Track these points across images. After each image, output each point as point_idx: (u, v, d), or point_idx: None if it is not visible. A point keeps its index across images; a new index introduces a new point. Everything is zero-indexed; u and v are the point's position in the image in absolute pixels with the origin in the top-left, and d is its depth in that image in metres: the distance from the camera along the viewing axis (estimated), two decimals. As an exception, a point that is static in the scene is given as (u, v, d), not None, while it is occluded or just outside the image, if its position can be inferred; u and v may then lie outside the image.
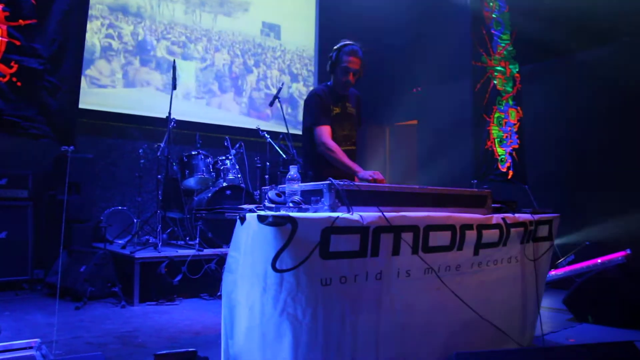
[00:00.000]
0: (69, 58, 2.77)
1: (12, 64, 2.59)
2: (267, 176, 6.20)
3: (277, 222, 1.98)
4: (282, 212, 2.07)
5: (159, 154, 5.38)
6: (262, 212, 2.06)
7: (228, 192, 5.40)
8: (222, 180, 5.65)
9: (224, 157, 5.81)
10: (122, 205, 6.28)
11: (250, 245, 2.12)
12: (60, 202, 5.63)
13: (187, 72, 7.00)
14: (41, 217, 5.51)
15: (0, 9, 2.57)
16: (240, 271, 2.20)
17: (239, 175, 5.80)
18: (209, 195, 5.31)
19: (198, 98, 7.12)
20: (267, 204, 2.26)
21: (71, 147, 2.77)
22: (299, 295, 2.05)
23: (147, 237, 5.72)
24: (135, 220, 5.83)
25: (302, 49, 8.26)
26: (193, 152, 5.57)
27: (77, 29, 2.81)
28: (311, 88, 8.11)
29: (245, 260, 2.17)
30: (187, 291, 4.89)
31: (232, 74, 7.42)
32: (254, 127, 6.49)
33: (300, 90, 8.15)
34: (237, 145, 6.01)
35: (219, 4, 7.35)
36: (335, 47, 3.38)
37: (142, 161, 5.86)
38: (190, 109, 6.90)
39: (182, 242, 5.44)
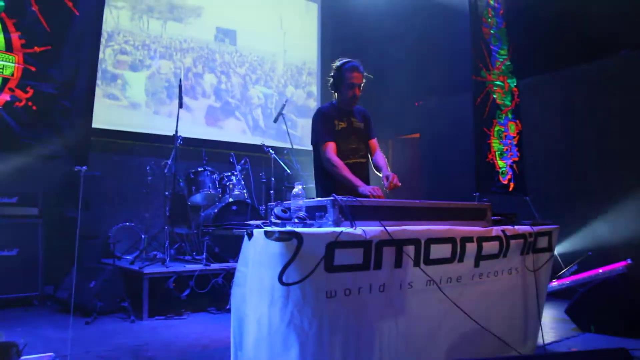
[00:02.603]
0: (82, 81, 2.89)
1: (27, 89, 2.72)
2: (272, 191, 6.30)
3: (283, 238, 2.07)
4: (288, 228, 2.16)
5: (166, 170, 5.49)
6: (268, 228, 2.15)
7: (234, 207, 5.50)
8: (228, 196, 5.75)
9: (229, 173, 5.92)
10: (129, 222, 6.36)
11: (258, 260, 2.21)
12: (70, 219, 5.74)
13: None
14: (51, 234, 5.61)
15: (17, 37, 2.70)
16: (249, 285, 2.28)
17: (245, 191, 5.90)
18: (216, 210, 5.41)
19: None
20: (273, 219, 2.36)
21: (84, 167, 2.88)
22: (305, 308, 2.13)
23: (154, 252, 5.80)
24: (143, 236, 5.92)
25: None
26: (199, 169, 5.68)
27: (90, 53, 2.94)
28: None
29: (253, 275, 2.26)
30: (194, 305, 4.97)
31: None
32: (258, 143, 6.62)
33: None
34: (243, 161, 6.12)
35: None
36: (335, 66, 3.48)
37: (149, 178, 5.97)
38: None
39: (189, 257, 5.53)
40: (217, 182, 5.75)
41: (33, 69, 2.73)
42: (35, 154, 2.75)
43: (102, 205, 6.26)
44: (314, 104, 8.43)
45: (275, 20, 8.25)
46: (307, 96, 8.52)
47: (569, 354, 2.23)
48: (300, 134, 8.06)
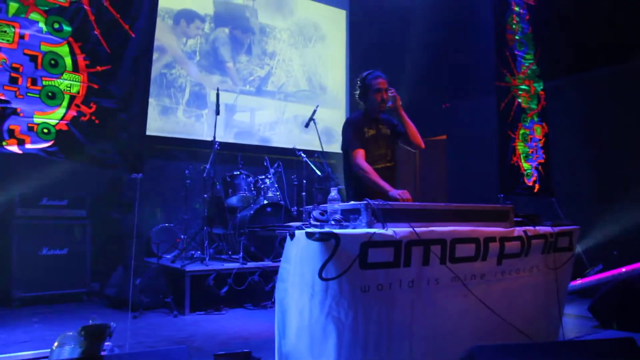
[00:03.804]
0: (138, 97, 3.21)
1: (91, 104, 3.04)
2: (303, 193, 6.56)
3: (322, 238, 2.32)
4: (327, 229, 2.41)
5: (205, 174, 5.82)
6: (310, 229, 2.41)
7: (269, 209, 5.79)
8: (262, 198, 6.04)
9: (263, 176, 6.21)
10: (168, 223, 6.71)
11: (300, 257, 2.47)
12: (115, 220, 6.15)
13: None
14: (98, 235, 5.99)
15: (82, 58, 3.03)
16: (291, 280, 2.54)
17: (278, 193, 6.18)
18: (251, 212, 5.70)
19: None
20: (312, 222, 2.61)
21: (140, 175, 3.19)
22: (342, 301, 2.38)
23: (192, 252, 6.12)
24: (182, 237, 6.24)
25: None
26: (235, 172, 5.99)
27: (144, 71, 3.25)
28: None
29: (295, 271, 2.52)
30: (232, 302, 5.26)
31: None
32: (290, 146, 6.92)
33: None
34: (276, 164, 6.41)
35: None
36: (360, 78, 3.81)
37: (187, 181, 6.28)
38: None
39: (226, 257, 5.84)
40: (252, 185, 6.04)
41: (96, 86, 3.06)
42: (99, 163, 3.06)
43: (143, 207, 6.61)
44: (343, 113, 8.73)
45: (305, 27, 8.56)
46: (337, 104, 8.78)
47: (577, 342, 2.42)
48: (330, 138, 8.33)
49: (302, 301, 2.47)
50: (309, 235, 2.35)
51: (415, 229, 2.55)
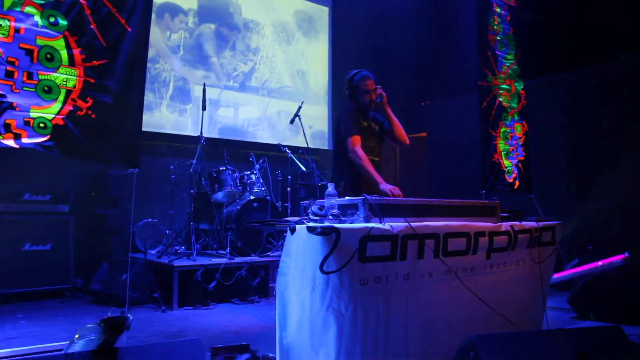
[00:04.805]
0: (134, 92, 3.22)
1: (87, 99, 3.04)
2: (288, 189, 6.61)
3: (324, 232, 2.39)
4: (328, 224, 2.47)
5: (191, 170, 5.81)
6: (311, 224, 2.47)
7: (255, 204, 5.82)
8: (248, 194, 6.06)
9: (249, 172, 6.23)
10: (152, 218, 6.67)
11: (301, 251, 2.53)
12: (99, 215, 6.09)
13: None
14: (81, 230, 5.92)
15: (78, 52, 3.02)
16: (292, 273, 2.60)
17: (264, 189, 6.22)
18: (238, 207, 5.73)
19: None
20: (311, 216, 2.67)
21: (136, 170, 3.20)
22: (342, 293, 2.45)
23: (176, 247, 6.10)
24: (167, 232, 6.22)
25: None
26: (221, 168, 6.00)
27: (140, 66, 3.26)
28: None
29: (296, 264, 2.57)
30: (219, 297, 5.28)
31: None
32: (275, 142, 6.95)
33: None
34: (261, 160, 6.44)
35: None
36: (347, 79, 3.85)
37: (172, 176, 6.26)
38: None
39: (213, 252, 5.86)
40: (237, 181, 6.06)
41: (92, 80, 3.06)
42: (95, 158, 3.07)
43: (128, 202, 6.56)
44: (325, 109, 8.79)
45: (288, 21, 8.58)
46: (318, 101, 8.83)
47: (571, 330, 2.55)
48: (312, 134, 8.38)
49: (303, 294, 2.53)
50: (311, 230, 2.41)
51: (411, 223, 2.64)
